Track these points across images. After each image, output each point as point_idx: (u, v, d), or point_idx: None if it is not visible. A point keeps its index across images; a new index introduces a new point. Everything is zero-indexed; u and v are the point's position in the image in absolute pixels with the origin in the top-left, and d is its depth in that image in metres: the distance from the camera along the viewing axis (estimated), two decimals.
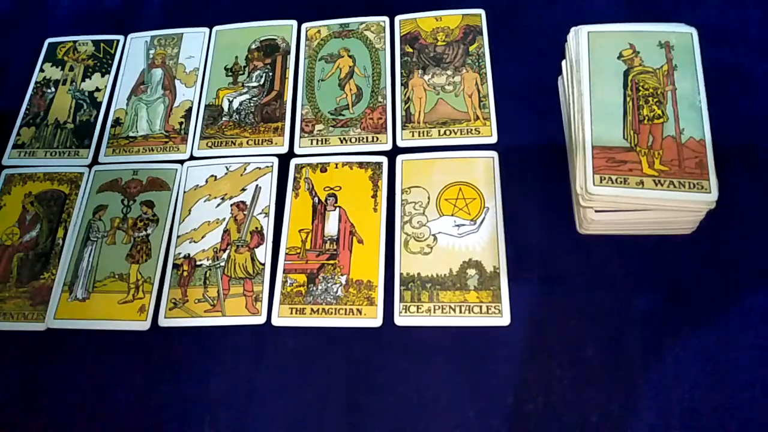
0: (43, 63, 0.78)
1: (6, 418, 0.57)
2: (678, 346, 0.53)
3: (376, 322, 0.57)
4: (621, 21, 0.60)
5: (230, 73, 0.74)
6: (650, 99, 0.55)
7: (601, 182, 0.52)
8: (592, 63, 0.57)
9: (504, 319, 0.56)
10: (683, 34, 0.57)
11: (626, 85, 0.56)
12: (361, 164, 0.65)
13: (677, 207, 0.52)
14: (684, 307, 0.55)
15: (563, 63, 0.63)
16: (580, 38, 0.59)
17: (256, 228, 0.63)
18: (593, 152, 0.53)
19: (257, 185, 0.66)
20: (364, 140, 0.67)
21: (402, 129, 0.67)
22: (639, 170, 0.53)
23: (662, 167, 0.52)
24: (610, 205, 0.54)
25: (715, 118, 0.54)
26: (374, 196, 0.63)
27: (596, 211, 0.55)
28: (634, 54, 0.57)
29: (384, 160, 0.65)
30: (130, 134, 0.71)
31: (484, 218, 0.61)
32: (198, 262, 0.62)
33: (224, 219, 0.64)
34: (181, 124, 0.71)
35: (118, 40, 0.79)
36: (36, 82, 0.77)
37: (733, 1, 0.72)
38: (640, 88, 0.56)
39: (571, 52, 0.59)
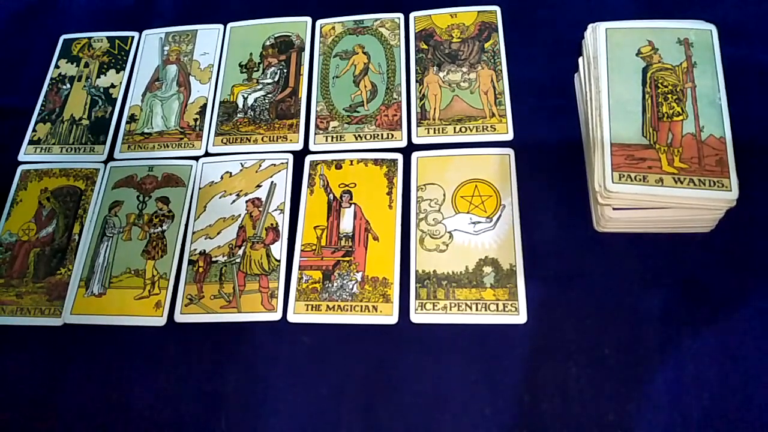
0: (58, 59, 0.78)
1: (22, 412, 0.57)
2: (695, 345, 0.53)
3: (392, 319, 0.57)
4: (636, 18, 0.60)
5: (245, 70, 0.74)
6: (669, 96, 0.55)
7: (620, 180, 0.52)
8: (610, 60, 0.57)
9: (520, 317, 0.55)
10: (702, 31, 0.57)
11: (645, 82, 0.56)
12: (376, 161, 0.65)
13: (697, 205, 0.52)
14: (701, 306, 0.55)
15: (580, 60, 0.62)
16: (597, 35, 0.58)
17: (272, 224, 0.63)
18: (612, 149, 0.53)
19: (272, 182, 0.66)
20: (379, 137, 0.67)
21: (417, 126, 0.67)
22: (658, 168, 0.52)
23: (682, 165, 0.52)
24: (629, 203, 0.53)
25: (734, 115, 0.54)
26: (389, 193, 0.63)
27: (614, 209, 0.55)
28: (652, 51, 0.57)
29: (399, 157, 0.65)
30: (145, 130, 0.71)
31: (500, 216, 0.60)
32: (213, 259, 0.62)
33: (239, 215, 0.64)
34: (195, 120, 0.71)
35: (132, 37, 0.79)
36: (51, 79, 0.77)
37: None
38: (659, 85, 0.55)
39: (589, 48, 0.59)
